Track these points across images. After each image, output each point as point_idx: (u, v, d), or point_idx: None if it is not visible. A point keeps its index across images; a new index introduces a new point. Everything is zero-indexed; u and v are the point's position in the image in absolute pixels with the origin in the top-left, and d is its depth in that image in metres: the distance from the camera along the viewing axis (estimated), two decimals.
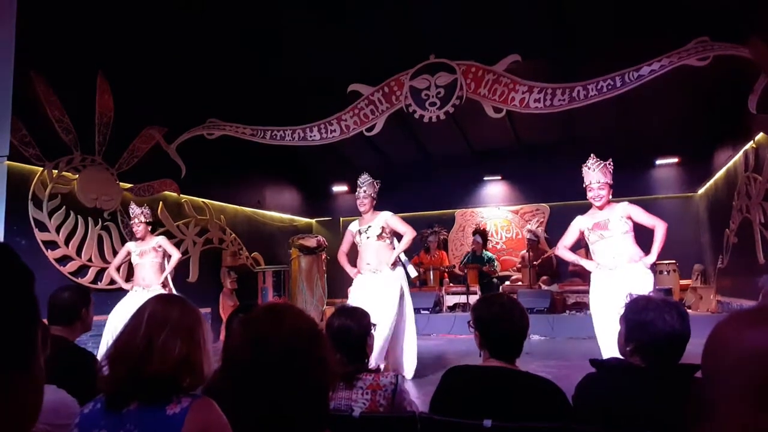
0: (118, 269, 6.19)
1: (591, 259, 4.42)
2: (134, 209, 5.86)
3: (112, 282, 6.49)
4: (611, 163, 4.39)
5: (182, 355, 1.36)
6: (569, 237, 4.51)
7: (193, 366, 1.38)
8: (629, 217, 4.26)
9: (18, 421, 0.62)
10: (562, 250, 4.57)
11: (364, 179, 5.23)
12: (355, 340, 2.12)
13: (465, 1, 6.79)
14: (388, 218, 5.14)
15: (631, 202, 4.48)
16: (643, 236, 4.32)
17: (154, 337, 1.36)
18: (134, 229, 5.83)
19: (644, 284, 4.05)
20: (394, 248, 5.12)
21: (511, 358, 1.92)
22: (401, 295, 4.98)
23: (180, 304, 1.49)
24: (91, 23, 6.50)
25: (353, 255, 5.30)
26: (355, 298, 4.92)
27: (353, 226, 5.30)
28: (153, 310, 1.42)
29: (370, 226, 5.12)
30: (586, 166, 4.41)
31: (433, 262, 10.28)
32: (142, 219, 5.78)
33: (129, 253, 5.88)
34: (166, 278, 5.71)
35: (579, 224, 4.45)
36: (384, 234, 5.09)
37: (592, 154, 4.45)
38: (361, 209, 5.21)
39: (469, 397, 1.84)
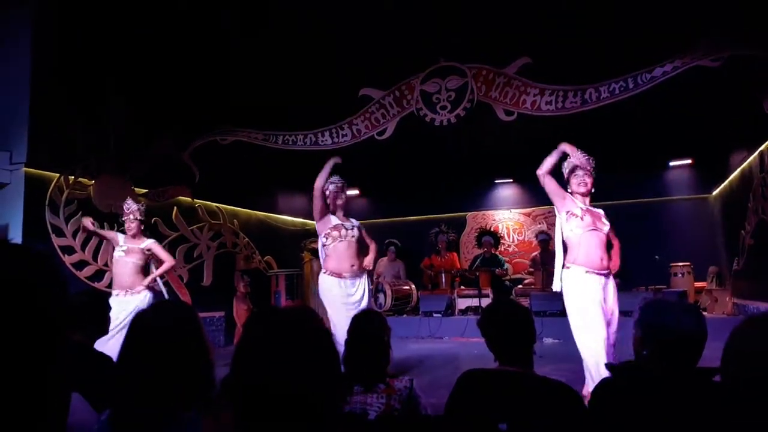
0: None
1: (568, 252, 4.16)
2: (130, 205, 5.42)
3: None
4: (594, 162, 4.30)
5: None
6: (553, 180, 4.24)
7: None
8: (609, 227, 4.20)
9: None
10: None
11: (340, 179, 5.07)
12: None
13: (475, 3, 6.78)
14: (360, 227, 5.08)
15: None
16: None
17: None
18: (127, 225, 5.38)
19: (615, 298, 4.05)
20: None
21: (524, 363, 1.93)
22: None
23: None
24: (105, 31, 6.59)
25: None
26: (345, 303, 4.70)
27: (334, 219, 4.97)
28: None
29: (354, 226, 4.97)
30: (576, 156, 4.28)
31: (444, 264, 10.26)
32: (138, 216, 5.37)
33: (115, 241, 5.46)
34: (153, 281, 5.32)
35: (568, 197, 4.21)
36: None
37: (575, 147, 4.32)
38: (339, 202, 4.99)
39: (484, 401, 1.84)
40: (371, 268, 5.06)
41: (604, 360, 3.84)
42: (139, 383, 1.31)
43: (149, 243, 5.38)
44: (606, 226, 4.14)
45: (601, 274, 4.00)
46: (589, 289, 3.98)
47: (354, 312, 4.54)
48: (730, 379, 1.46)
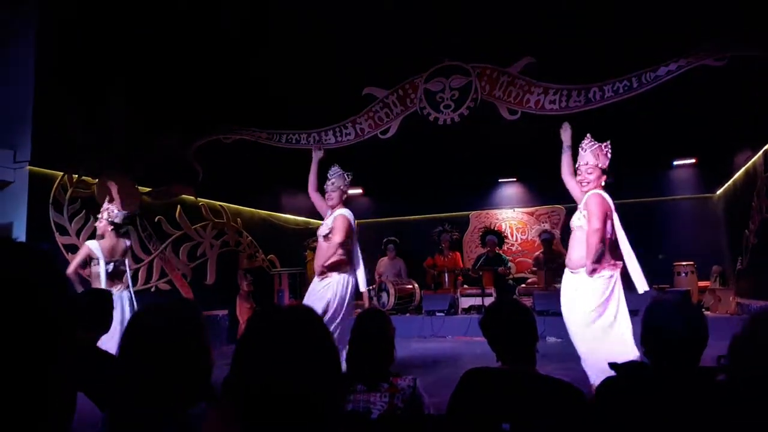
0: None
1: None
2: (107, 205, 5.24)
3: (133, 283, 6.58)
4: (608, 146, 4.06)
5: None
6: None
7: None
8: (587, 209, 3.83)
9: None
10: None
11: (334, 171, 4.97)
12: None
13: (479, 2, 6.77)
14: (336, 217, 4.68)
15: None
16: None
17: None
18: (97, 223, 5.23)
19: (585, 295, 3.76)
20: (341, 252, 4.64)
21: (527, 362, 1.93)
22: (337, 305, 4.56)
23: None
24: (109, 30, 6.60)
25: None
26: (315, 303, 4.54)
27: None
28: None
29: (323, 224, 4.79)
30: (581, 146, 4.12)
31: (447, 263, 10.26)
32: (107, 216, 5.09)
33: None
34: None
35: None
36: (330, 235, 4.66)
37: (588, 134, 4.16)
38: (329, 203, 4.89)
39: (487, 400, 1.84)
40: (318, 272, 4.61)
41: (593, 358, 3.80)
42: (138, 383, 1.30)
43: (85, 243, 5.09)
44: (574, 223, 3.99)
45: (572, 272, 3.98)
46: (562, 285, 4.13)
47: (324, 311, 4.42)
48: (738, 377, 1.45)
